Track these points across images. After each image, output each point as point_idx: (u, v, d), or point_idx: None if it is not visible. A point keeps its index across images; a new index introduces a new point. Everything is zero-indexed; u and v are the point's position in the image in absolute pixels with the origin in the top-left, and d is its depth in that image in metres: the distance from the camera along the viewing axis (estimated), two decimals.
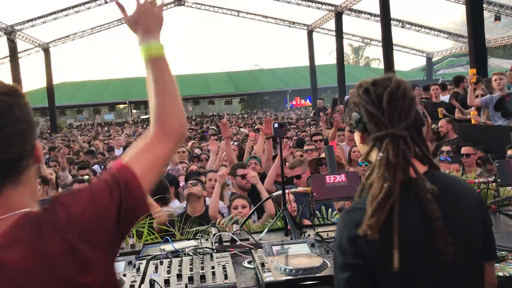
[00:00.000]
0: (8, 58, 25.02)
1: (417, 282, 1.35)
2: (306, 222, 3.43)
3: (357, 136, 1.56)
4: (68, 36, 28.26)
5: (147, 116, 36.13)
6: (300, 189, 3.13)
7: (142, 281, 2.25)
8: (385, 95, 1.43)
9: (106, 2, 24.06)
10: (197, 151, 8.67)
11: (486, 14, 15.93)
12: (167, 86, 1.43)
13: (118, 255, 1.37)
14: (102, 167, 8.03)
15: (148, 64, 1.44)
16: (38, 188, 1.49)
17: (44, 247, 1.12)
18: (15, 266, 1.09)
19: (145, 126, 21.19)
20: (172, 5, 27.83)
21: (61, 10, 24.01)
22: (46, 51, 27.96)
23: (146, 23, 1.46)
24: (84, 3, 23.91)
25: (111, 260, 1.25)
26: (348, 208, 1.47)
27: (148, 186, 1.29)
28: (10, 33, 23.97)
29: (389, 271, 1.30)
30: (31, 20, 24.15)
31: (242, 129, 13.23)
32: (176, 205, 5.00)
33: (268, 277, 2.09)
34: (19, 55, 25.64)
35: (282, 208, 3.04)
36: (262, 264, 2.23)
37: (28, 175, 1.24)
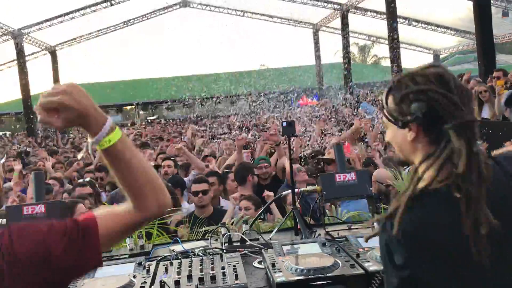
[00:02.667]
0: (16, 62, 25.19)
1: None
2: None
3: (404, 132, 1.39)
4: (74, 38, 28.41)
5: (154, 117, 36.19)
6: (310, 188, 3.10)
7: (152, 283, 2.23)
8: (452, 79, 1.35)
9: (111, 5, 24.17)
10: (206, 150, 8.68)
11: (493, 10, 15.81)
12: (137, 170, 1.29)
13: None
14: None
15: (104, 154, 1.27)
16: None
17: None
18: None
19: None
20: (178, 6, 27.89)
21: (68, 13, 24.15)
22: (53, 54, 28.12)
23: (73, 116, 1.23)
24: (90, 6, 24.03)
25: None
26: (388, 214, 1.31)
27: (107, 245, 1.30)
28: (17, 36, 24.12)
29: (441, 273, 1.25)
30: (38, 23, 24.31)
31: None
32: (185, 206, 5.01)
33: (279, 277, 2.07)
34: (27, 58, 25.80)
35: (292, 207, 3.01)
36: (273, 264, 2.21)
37: None
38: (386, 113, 1.44)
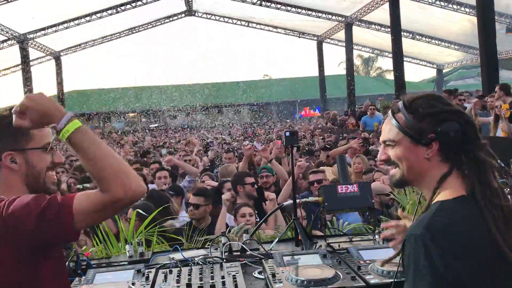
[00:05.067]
0: (20, 66, 25.31)
1: None
2: (317, 233, 3.38)
3: (421, 149, 1.43)
4: (79, 45, 28.54)
5: (156, 125, 36.26)
6: (311, 198, 3.09)
7: None
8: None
9: (117, 12, 24.29)
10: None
11: (497, 26, 15.82)
12: (96, 156, 1.46)
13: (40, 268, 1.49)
14: None
15: (68, 144, 1.48)
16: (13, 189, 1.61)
17: None
18: None
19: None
20: (183, 15, 28.04)
21: (73, 19, 24.26)
22: (57, 59, 28.25)
23: (40, 118, 1.47)
24: (95, 13, 24.14)
25: (21, 264, 1.45)
26: (429, 230, 1.29)
27: (82, 221, 1.45)
28: (23, 41, 24.24)
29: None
30: (43, 29, 24.42)
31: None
32: (184, 215, 4.97)
33: None
34: (31, 63, 25.93)
35: (293, 218, 3.00)
36: (273, 275, 2.20)
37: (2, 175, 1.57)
38: (406, 129, 1.45)
